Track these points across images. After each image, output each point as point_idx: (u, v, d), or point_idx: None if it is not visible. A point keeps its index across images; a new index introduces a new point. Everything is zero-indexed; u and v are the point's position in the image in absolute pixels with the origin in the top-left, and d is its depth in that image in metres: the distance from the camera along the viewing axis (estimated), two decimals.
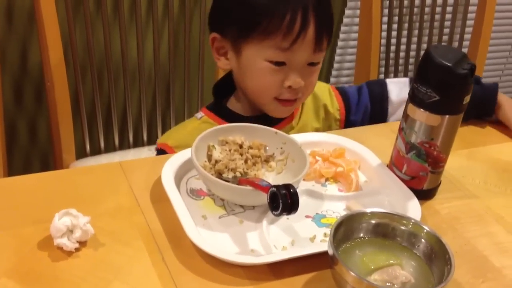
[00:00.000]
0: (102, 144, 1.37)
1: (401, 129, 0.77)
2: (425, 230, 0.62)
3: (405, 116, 0.75)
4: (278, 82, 0.87)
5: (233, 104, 0.96)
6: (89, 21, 1.26)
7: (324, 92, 1.01)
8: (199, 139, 0.75)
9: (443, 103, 0.71)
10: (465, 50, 1.65)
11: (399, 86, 1.01)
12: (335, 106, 1.00)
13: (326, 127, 0.99)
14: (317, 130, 0.97)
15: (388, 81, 1.02)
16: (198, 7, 1.40)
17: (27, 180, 0.76)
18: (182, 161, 0.77)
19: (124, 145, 1.41)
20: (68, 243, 0.63)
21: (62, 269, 0.62)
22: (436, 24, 1.64)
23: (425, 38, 1.63)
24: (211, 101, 0.99)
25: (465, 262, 0.68)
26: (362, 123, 1.00)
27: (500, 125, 0.98)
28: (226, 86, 0.96)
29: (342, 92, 1.02)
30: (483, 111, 0.97)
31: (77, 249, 0.64)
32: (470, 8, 1.63)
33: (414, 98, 0.73)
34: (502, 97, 0.97)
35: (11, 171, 1.34)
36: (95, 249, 0.65)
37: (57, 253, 0.63)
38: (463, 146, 0.90)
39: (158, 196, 0.73)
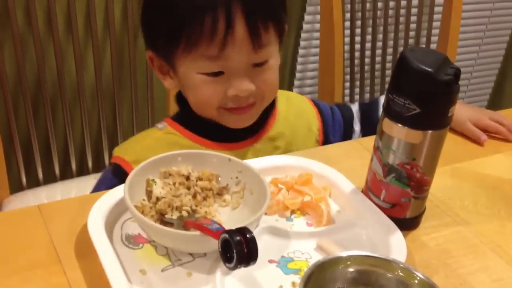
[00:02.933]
0: (41, 175, 1.21)
1: (376, 148, 0.65)
2: (417, 278, 0.50)
3: (380, 132, 0.63)
4: (220, 93, 0.74)
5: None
6: (18, 39, 1.11)
7: (307, 108, 0.89)
8: (135, 172, 0.62)
9: (425, 116, 0.59)
10: None
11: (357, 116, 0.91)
12: (316, 125, 0.88)
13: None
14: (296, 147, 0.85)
15: (353, 107, 0.93)
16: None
17: None
18: (115, 201, 0.63)
19: (67, 175, 1.26)
20: None
21: None
22: (401, 26, 1.54)
23: (391, 42, 1.54)
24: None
25: None
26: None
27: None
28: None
29: (319, 109, 0.89)
30: None
31: None
32: (436, 9, 1.55)
33: (390, 111, 0.61)
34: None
35: None
36: None
37: None
38: (445, 162, 0.79)
39: (85, 248, 0.58)
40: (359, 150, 0.81)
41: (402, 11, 1.54)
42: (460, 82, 0.60)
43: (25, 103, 1.16)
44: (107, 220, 0.61)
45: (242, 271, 0.57)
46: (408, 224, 0.66)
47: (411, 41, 1.58)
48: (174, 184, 0.64)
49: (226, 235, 0.50)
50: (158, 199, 0.62)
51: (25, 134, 1.18)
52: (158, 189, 0.63)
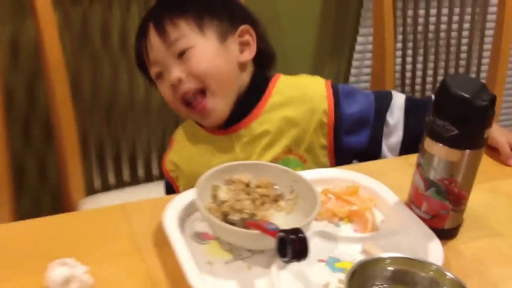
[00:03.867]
0: (113, 180, 1.34)
1: (418, 165, 0.72)
2: (447, 277, 0.57)
3: (422, 151, 0.71)
4: (168, 90, 0.90)
5: None
6: (95, 57, 1.24)
7: (314, 91, 0.93)
8: (204, 178, 0.72)
9: (463, 137, 0.66)
10: (483, 80, 1.61)
11: (400, 111, 0.92)
12: (322, 107, 0.91)
13: (303, 134, 0.92)
14: (291, 119, 0.91)
15: (394, 96, 0.94)
16: None
17: (19, 227, 0.73)
18: (185, 202, 0.73)
19: (135, 180, 1.38)
20: None
21: None
22: (452, 48, 1.60)
23: (441, 71, 1.60)
24: None
25: None
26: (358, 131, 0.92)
27: None
28: None
29: (335, 91, 0.92)
30: None
31: None
32: (487, 39, 1.60)
33: (431, 132, 0.68)
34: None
35: (20, 212, 1.30)
36: None
37: None
38: (484, 179, 0.85)
39: (161, 241, 0.68)
40: (403, 165, 0.88)
41: (454, 34, 1.60)
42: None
43: (100, 114, 1.29)
44: (179, 218, 0.70)
45: (294, 267, 0.66)
46: (447, 234, 0.73)
47: (462, 62, 1.64)
48: (236, 190, 0.73)
49: (282, 234, 0.59)
50: (222, 202, 0.71)
51: (99, 143, 1.31)
52: (222, 194, 0.72)
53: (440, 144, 0.68)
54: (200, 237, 0.70)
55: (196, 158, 0.95)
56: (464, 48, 1.62)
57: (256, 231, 0.64)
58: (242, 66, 0.92)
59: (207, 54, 0.88)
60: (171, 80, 0.88)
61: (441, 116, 0.67)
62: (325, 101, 0.91)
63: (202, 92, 0.89)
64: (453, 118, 0.66)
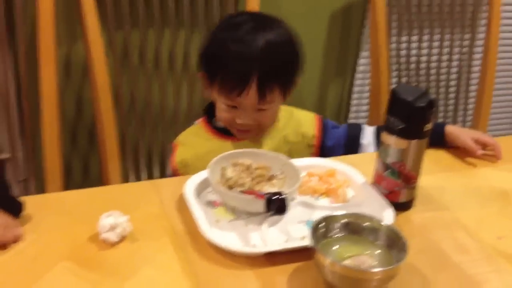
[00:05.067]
0: (145, 177, 1.58)
1: (379, 153, 0.94)
2: (384, 225, 0.78)
3: (381, 142, 0.93)
4: (232, 118, 1.09)
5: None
6: (133, 73, 1.50)
7: (306, 119, 1.20)
8: (214, 161, 0.95)
9: (408, 130, 0.88)
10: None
11: (371, 135, 1.18)
12: (311, 133, 1.18)
13: (294, 150, 1.16)
14: (287, 139, 1.16)
15: (364, 126, 1.20)
16: None
17: (79, 193, 0.97)
18: (200, 179, 0.96)
19: (163, 177, 1.61)
20: (111, 237, 0.83)
21: (107, 257, 0.81)
22: (442, 76, 1.82)
23: (433, 90, 1.82)
24: None
25: (428, 257, 0.84)
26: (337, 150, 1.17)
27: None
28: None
29: (323, 122, 1.20)
30: (435, 141, 1.09)
31: (118, 242, 0.83)
32: (475, 62, 1.80)
33: (386, 127, 0.91)
34: (452, 127, 1.15)
35: None
36: (132, 242, 0.84)
37: (102, 245, 0.83)
38: (439, 169, 1.07)
39: (181, 207, 0.92)
40: (369, 158, 1.09)
41: (444, 57, 1.81)
42: None
43: (136, 120, 1.54)
44: (196, 190, 0.93)
45: (280, 226, 0.88)
46: (401, 206, 0.94)
47: (452, 82, 1.85)
48: (239, 170, 0.96)
49: (269, 195, 0.81)
50: (229, 178, 0.94)
51: (134, 144, 1.56)
52: (229, 173, 0.95)
53: (392, 136, 0.90)
54: (211, 204, 0.93)
55: (205, 157, 1.08)
56: (454, 69, 1.83)
57: (251, 196, 0.87)
58: None
59: (275, 112, 1.12)
60: (243, 122, 1.08)
61: (392, 114, 0.89)
62: (315, 129, 1.18)
63: None
64: (400, 115, 0.88)
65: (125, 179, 1.54)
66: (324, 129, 1.19)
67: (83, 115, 1.61)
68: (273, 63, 1.05)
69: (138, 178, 1.58)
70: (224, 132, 1.15)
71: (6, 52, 1.41)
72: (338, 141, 1.18)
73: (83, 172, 1.67)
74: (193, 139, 1.18)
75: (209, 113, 1.17)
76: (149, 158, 1.60)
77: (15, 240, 0.82)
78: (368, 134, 1.18)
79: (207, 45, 1.13)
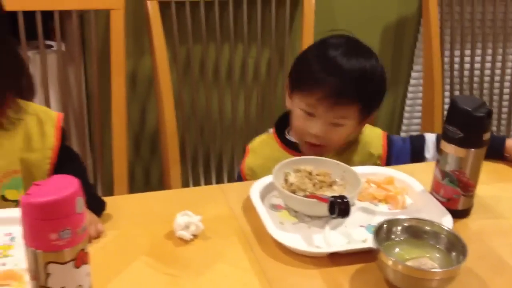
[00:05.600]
0: (203, 182, 1.66)
1: (437, 161, 0.97)
2: (445, 230, 0.82)
3: (440, 150, 0.96)
4: (305, 128, 1.13)
5: (291, 133, 1.23)
6: (194, 84, 1.59)
7: (374, 138, 1.23)
8: (278, 167, 1.00)
9: (467, 139, 0.92)
10: None
11: (434, 148, 1.21)
12: (378, 153, 1.21)
13: (363, 162, 1.18)
14: (352, 160, 1.19)
15: (427, 138, 1.23)
16: (282, 71, 1.69)
17: (154, 195, 1.05)
18: (265, 184, 1.02)
19: (220, 182, 1.70)
20: (186, 235, 0.89)
21: (182, 253, 0.87)
22: (495, 90, 1.83)
23: (485, 92, 1.83)
24: None
25: (486, 262, 0.86)
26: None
27: None
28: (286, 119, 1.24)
29: (389, 141, 1.23)
30: (495, 154, 1.13)
31: (191, 239, 0.89)
32: None
33: (445, 136, 0.94)
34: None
35: None
36: (204, 240, 0.90)
37: (178, 241, 0.89)
38: (496, 179, 1.09)
39: (247, 209, 0.98)
40: (428, 167, 1.12)
41: (497, 71, 1.82)
42: None
43: (195, 129, 1.62)
44: (260, 194, 0.99)
45: (342, 229, 0.92)
46: (460, 214, 0.97)
47: (506, 96, 1.85)
48: (301, 176, 1.01)
49: (332, 198, 0.86)
50: (291, 184, 0.99)
51: (194, 150, 1.64)
52: (292, 178, 1.00)
53: (451, 145, 0.93)
54: (275, 207, 0.99)
55: (270, 165, 1.14)
56: (507, 83, 1.84)
57: (314, 199, 0.92)
58: None
59: (347, 133, 1.17)
60: (312, 131, 1.12)
61: (451, 124, 0.92)
62: (382, 149, 1.22)
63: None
64: (460, 125, 0.91)
65: (185, 185, 1.62)
66: (390, 147, 1.22)
67: (146, 124, 1.70)
68: (360, 82, 1.10)
69: (196, 184, 1.65)
70: (293, 147, 1.20)
71: (79, 66, 1.51)
72: (403, 158, 1.21)
73: (145, 177, 1.76)
74: (264, 149, 1.23)
75: (281, 125, 1.23)
76: (207, 164, 1.67)
77: (98, 235, 0.90)
78: (431, 148, 1.21)
79: (299, 57, 1.20)
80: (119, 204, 0.99)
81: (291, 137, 1.22)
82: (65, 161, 1.01)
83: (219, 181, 1.69)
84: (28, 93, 0.98)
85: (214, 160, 1.66)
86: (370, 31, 1.79)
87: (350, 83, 1.09)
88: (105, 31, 1.49)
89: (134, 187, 1.73)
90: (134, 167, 1.73)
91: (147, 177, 1.76)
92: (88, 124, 1.59)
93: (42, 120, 1.01)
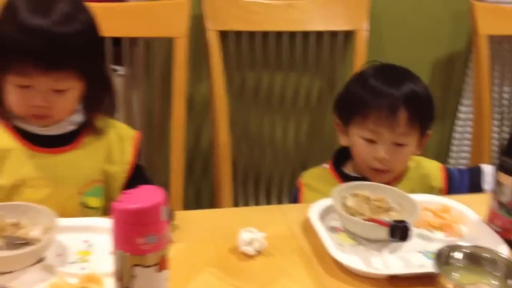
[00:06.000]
0: (252, 203, 1.72)
1: (493, 192, 1.00)
2: (503, 257, 0.85)
3: (496, 182, 0.99)
4: (371, 154, 1.17)
5: (348, 168, 1.27)
6: (247, 108, 1.66)
7: (433, 171, 1.26)
8: (337, 190, 1.05)
9: None
10: None
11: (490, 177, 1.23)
12: (438, 186, 1.24)
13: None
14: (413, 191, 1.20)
15: (485, 170, 1.25)
16: (332, 100, 1.75)
17: (217, 212, 1.10)
18: (323, 207, 1.06)
19: (268, 203, 1.76)
20: (249, 250, 0.94)
21: (246, 267, 0.92)
22: None
23: None
24: None
25: None
26: None
27: None
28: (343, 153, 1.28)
29: (449, 174, 1.26)
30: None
31: (255, 255, 0.94)
32: None
33: (502, 167, 0.97)
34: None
35: None
36: (267, 256, 0.94)
37: (241, 256, 0.94)
38: None
39: (306, 229, 1.02)
40: (484, 198, 1.15)
41: None
42: None
43: (247, 149, 1.68)
44: (319, 214, 1.03)
45: (399, 254, 0.96)
46: None
47: None
48: (359, 200, 1.05)
49: (394, 223, 0.90)
50: (349, 207, 1.03)
51: (244, 171, 1.70)
52: (350, 202, 1.04)
53: (509, 176, 0.96)
54: (333, 230, 1.03)
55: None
56: None
57: (374, 223, 0.95)
58: None
59: (410, 154, 1.21)
60: (378, 155, 1.16)
61: (509, 155, 0.96)
62: (441, 182, 1.26)
63: None
64: None
65: (235, 205, 1.68)
66: (450, 181, 1.25)
67: (200, 145, 1.77)
68: (413, 98, 1.16)
69: (245, 204, 1.71)
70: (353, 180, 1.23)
71: (142, 90, 1.60)
72: (462, 190, 1.24)
73: (196, 196, 1.82)
74: (320, 184, 1.26)
75: (338, 159, 1.27)
76: (257, 186, 1.74)
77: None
78: (489, 180, 1.23)
79: (344, 92, 1.25)
80: (186, 218, 1.04)
81: (349, 171, 1.26)
82: (138, 177, 1.08)
83: (268, 202, 1.74)
84: (111, 109, 1.06)
85: (263, 182, 1.72)
86: (419, 64, 1.81)
87: (404, 100, 1.14)
88: (168, 57, 1.58)
89: (187, 205, 1.80)
90: (187, 186, 1.80)
91: (198, 195, 1.82)
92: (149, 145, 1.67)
93: (123, 136, 1.09)
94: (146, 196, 0.73)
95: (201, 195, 1.82)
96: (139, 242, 0.71)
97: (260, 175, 1.72)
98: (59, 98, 0.98)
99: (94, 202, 1.07)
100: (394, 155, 1.18)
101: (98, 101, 1.04)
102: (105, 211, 1.05)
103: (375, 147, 1.18)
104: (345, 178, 1.23)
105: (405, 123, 1.15)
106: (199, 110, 1.74)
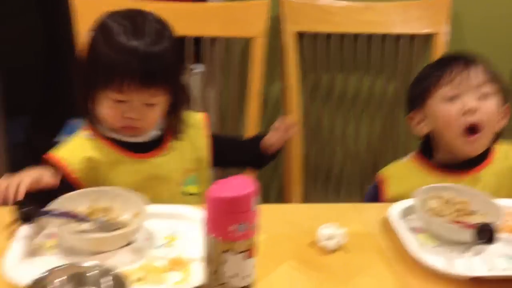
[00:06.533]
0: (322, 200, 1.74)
1: None
2: None
3: None
4: (458, 115, 1.16)
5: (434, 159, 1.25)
6: (320, 108, 1.67)
7: None
8: (418, 193, 1.04)
9: None
10: None
11: None
12: None
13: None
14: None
15: None
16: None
17: (296, 207, 1.12)
18: (403, 207, 1.06)
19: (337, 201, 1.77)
20: (329, 245, 0.95)
21: (325, 262, 0.93)
22: None
23: None
24: None
25: None
26: None
27: None
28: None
29: None
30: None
31: (334, 251, 0.95)
32: None
33: None
34: None
35: None
36: (346, 252, 0.95)
37: (320, 251, 0.95)
38: None
39: (385, 228, 1.02)
40: None
41: None
42: None
43: (319, 148, 1.69)
44: (400, 214, 1.03)
45: (483, 256, 0.94)
46: None
47: None
48: (440, 202, 1.04)
49: (481, 225, 0.89)
50: (431, 209, 1.03)
51: (315, 167, 1.71)
52: (431, 203, 1.04)
53: None
54: (414, 230, 1.02)
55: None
56: None
57: (459, 225, 0.94)
58: None
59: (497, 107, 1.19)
60: (466, 107, 1.15)
61: None
62: None
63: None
64: None
65: (304, 201, 1.69)
66: None
67: None
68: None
69: (314, 201, 1.73)
70: (441, 167, 1.22)
71: (218, 88, 1.64)
72: None
73: (265, 191, 1.84)
74: (407, 174, 1.25)
75: (425, 150, 1.27)
76: (327, 184, 1.75)
77: None
78: None
79: (416, 80, 1.27)
80: (266, 210, 1.06)
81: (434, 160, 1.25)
82: (221, 145, 1.21)
83: (337, 200, 1.74)
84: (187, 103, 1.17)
85: (333, 181, 1.73)
86: (503, 69, 1.77)
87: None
88: (245, 56, 1.61)
89: None
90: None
91: (267, 191, 1.84)
92: None
93: (195, 123, 1.19)
94: (239, 185, 0.75)
95: (269, 191, 1.85)
96: (231, 229, 0.74)
97: (330, 174, 1.73)
98: (150, 111, 1.07)
99: (193, 189, 1.17)
100: (480, 107, 1.16)
101: (179, 110, 1.14)
102: (202, 197, 1.12)
103: (459, 102, 1.16)
104: (432, 167, 1.23)
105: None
106: (271, 108, 1.76)
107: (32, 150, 1.85)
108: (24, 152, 1.80)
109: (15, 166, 1.66)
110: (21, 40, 1.74)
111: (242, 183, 0.76)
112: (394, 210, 1.04)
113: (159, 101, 1.07)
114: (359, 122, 1.72)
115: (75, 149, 1.11)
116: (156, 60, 1.01)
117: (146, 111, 1.06)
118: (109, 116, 1.07)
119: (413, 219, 1.05)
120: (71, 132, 1.79)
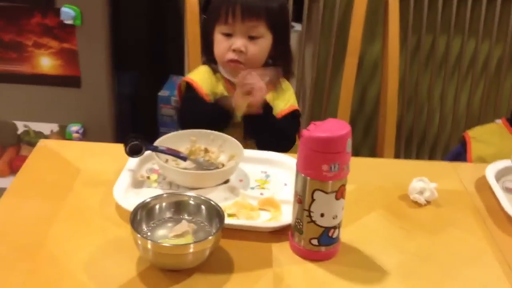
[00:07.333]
0: None
1: None
2: None
3: None
4: None
5: None
6: (420, 70, 1.64)
7: None
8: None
9: None
10: None
11: None
12: None
13: None
14: None
15: None
16: None
17: (390, 161, 1.13)
18: (498, 168, 1.03)
19: None
20: (420, 198, 0.95)
21: (415, 214, 0.93)
22: None
23: None
24: None
25: None
26: None
27: None
28: None
29: None
30: None
31: (425, 204, 0.95)
32: None
33: None
34: None
35: None
36: (437, 207, 0.95)
37: (411, 204, 0.95)
38: None
39: (480, 188, 1.00)
40: None
41: None
42: None
43: (415, 110, 1.67)
44: (495, 174, 1.01)
45: None
46: None
47: None
48: None
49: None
50: None
51: (409, 129, 1.69)
52: None
53: None
54: (509, 190, 1.00)
55: (505, 153, 1.13)
56: None
57: None
58: None
59: None
60: None
61: None
62: None
63: None
64: None
65: None
66: None
67: (365, 104, 1.79)
68: None
69: None
70: None
71: (316, 47, 1.65)
72: None
73: (355, 152, 1.84)
74: (494, 138, 1.25)
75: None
76: (420, 148, 1.72)
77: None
78: None
79: None
80: (358, 163, 1.07)
81: None
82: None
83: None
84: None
85: (427, 146, 1.70)
86: None
87: None
88: (345, 15, 1.61)
89: None
90: None
91: (358, 152, 1.85)
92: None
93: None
94: (334, 127, 0.78)
95: (361, 152, 1.85)
96: (323, 169, 0.77)
97: (425, 139, 1.70)
98: (253, 45, 1.19)
99: None
100: None
101: (281, 56, 1.24)
102: None
103: None
104: None
105: None
106: (368, 69, 1.75)
107: (138, 101, 1.98)
108: (131, 103, 1.93)
109: (123, 115, 1.80)
110: (131, 4, 1.87)
111: (337, 125, 0.78)
112: (491, 170, 1.02)
113: (261, 34, 1.19)
114: (460, 87, 1.66)
115: (205, 79, 1.24)
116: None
117: (250, 44, 1.18)
118: (220, 50, 1.21)
119: (509, 180, 1.02)
120: (172, 87, 1.90)
